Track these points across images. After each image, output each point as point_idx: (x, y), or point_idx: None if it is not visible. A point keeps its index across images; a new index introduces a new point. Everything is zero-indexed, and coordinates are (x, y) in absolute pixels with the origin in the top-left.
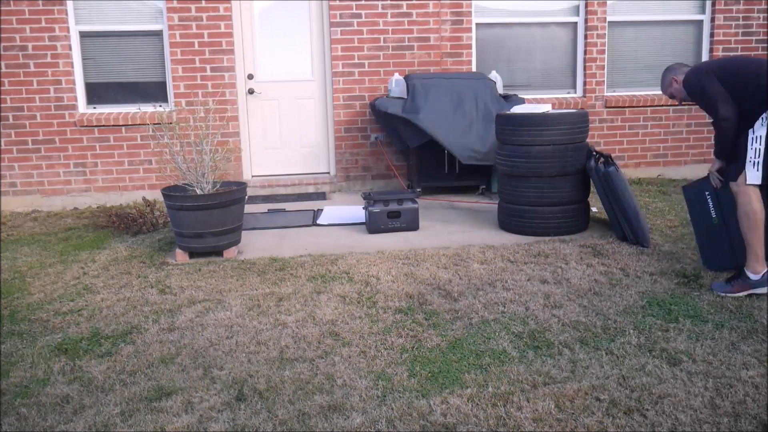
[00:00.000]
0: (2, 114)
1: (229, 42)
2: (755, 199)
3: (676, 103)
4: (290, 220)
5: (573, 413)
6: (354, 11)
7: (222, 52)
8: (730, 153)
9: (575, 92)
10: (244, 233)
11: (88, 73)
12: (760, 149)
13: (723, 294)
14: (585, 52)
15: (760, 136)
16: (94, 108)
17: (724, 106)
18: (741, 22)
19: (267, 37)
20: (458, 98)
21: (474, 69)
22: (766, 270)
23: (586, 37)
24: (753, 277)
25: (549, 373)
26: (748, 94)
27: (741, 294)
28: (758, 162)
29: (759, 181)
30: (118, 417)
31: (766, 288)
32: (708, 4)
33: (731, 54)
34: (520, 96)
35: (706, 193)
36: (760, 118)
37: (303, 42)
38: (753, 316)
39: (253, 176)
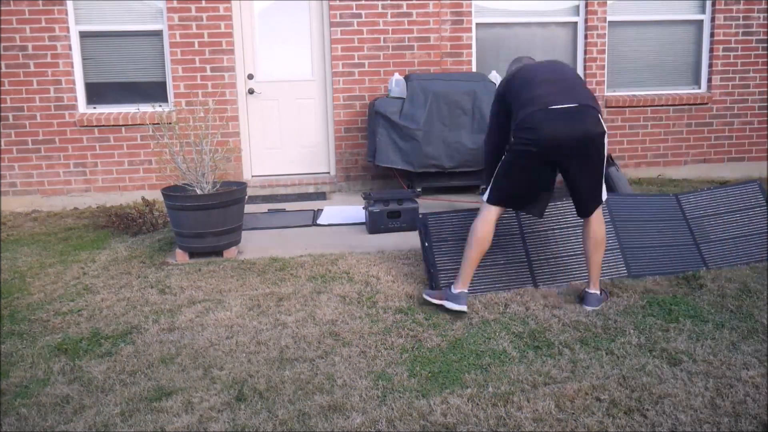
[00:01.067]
0: (2, 114)
1: (229, 42)
2: (480, 219)
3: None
4: (290, 220)
5: (573, 413)
6: (354, 11)
7: (222, 52)
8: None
9: None
10: (244, 233)
11: (88, 73)
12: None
13: (425, 297)
14: (585, 52)
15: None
16: (94, 108)
17: (490, 134)
18: (741, 22)
19: (267, 37)
20: (455, 104)
21: (474, 69)
22: (462, 290)
23: (586, 37)
24: (452, 290)
25: (549, 373)
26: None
27: (435, 302)
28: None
29: (485, 198)
30: (118, 417)
31: (456, 306)
32: (708, 3)
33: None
34: None
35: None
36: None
37: (303, 42)
38: (753, 316)
39: (253, 176)
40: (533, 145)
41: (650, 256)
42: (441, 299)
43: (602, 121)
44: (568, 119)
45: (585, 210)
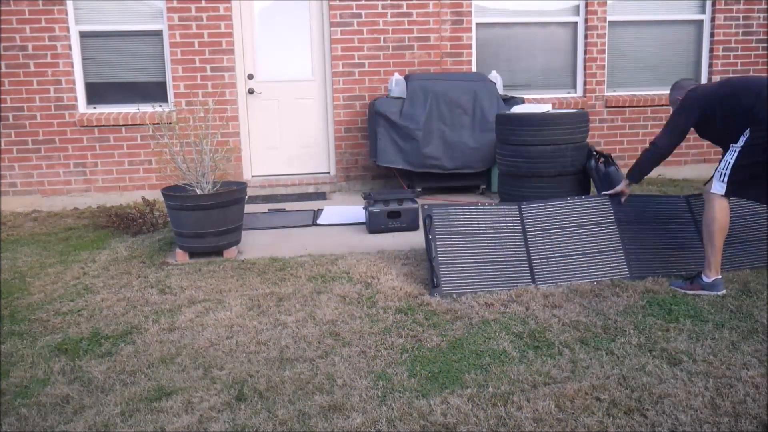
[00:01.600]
0: (2, 114)
1: (229, 42)
2: (717, 209)
3: None
4: (290, 220)
5: (573, 413)
6: (354, 11)
7: (222, 52)
8: (640, 178)
9: (575, 92)
10: (244, 233)
11: (88, 73)
12: (729, 162)
13: (675, 288)
14: (585, 52)
15: (735, 151)
16: (94, 108)
17: (668, 138)
18: (741, 22)
19: (267, 37)
20: (455, 104)
21: (474, 69)
22: (717, 277)
23: (586, 36)
24: (705, 279)
25: (549, 373)
26: (737, 117)
27: (690, 292)
28: (725, 174)
29: (721, 192)
30: (118, 417)
31: (713, 293)
32: (708, 3)
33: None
34: (520, 96)
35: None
36: (743, 135)
37: (303, 42)
38: (753, 316)
39: (253, 176)
40: None
41: (652, 257)
42: (696, 290)
43: None
44: None
45: None
